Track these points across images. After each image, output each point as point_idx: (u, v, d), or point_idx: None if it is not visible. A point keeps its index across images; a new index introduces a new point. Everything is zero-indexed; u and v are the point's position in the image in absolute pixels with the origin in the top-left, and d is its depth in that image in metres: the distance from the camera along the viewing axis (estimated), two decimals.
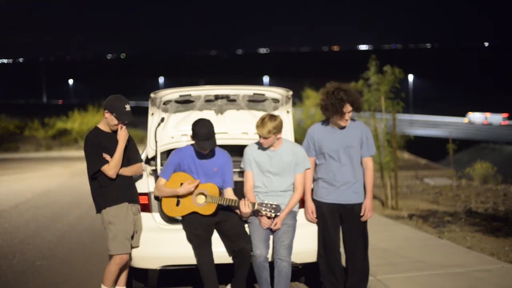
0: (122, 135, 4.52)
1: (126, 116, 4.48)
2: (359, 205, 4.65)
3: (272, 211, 4.54)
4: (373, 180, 4.73)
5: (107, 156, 4.45)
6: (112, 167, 4.43)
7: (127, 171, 4.58)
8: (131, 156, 4.64)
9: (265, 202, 4.57)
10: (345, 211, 4.64)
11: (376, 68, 10.30)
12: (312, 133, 4.77)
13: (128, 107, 4.50)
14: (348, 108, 4.53)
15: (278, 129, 4.61)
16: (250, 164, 4.79)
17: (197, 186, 4.69)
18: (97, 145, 4.45)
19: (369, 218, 4.69)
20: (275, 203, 4.57)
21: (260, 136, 4.63)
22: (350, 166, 4.63)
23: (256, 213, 4.64)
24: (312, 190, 4.81)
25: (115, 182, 4.49)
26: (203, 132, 4.58)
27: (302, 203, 4.88)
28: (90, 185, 4.57)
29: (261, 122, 4.59)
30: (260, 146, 4.76)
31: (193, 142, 4.81)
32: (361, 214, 4.63)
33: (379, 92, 10.13)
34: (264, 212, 4.55)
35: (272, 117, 4.60)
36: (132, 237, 4.60)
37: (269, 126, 4.55)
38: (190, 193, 4.71)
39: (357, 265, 4.66)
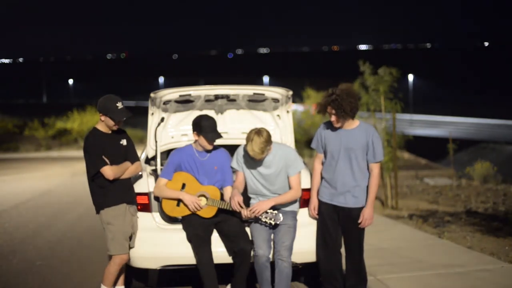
0: (132, 170, 4.62)
1: (121, 114, 4.48)
2: (358, 210, 4.55)
3: (273, 219, 4.54)
4: (377, 188, 4.56)
5: (106, 159, 4.45)
6: (112, 171, 4.44)
7: (128, 173, 4.58)
8: (129, 156, 4.64)
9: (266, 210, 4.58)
10: (343, 213, 4.59)
11: (371, 70, 10.27)
12: (321, 129, 4.72)
13: (120, 105, 4.48)
14: (331, 109, 4.44)
15: (269, 141, 4.49)
16: (242, 166, 4.74)
17: (199, 192, 4.71)
18: (97, 147, 4.46)
19: (366, 226, 4.56)
20: (275, 211, 4.57)
21: (255, 158, 4.53)
22: (349, 169, 4.54)
23: (256, 219, 4.64)
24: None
25: (114, 184, 4.49)
26: (209, 124, 4.63)
27: (303, 203, 4.88)
28: (89, 186, 4.58)
29: (251, 142, 4.41)
30: None
31: (193, 141, 4.82)
32: (359, 221, 4.53)
33: (378, 93, 10.11)
34: (264, 220, 4.55)
35: (258, 133, 4.45)
36: (130, 238, 4.61)
37: (258, 143, 4.40)
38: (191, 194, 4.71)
39: (354, 266, 4.64)
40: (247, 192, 4.82)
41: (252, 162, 4.67)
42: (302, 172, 4.85)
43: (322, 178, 4.72)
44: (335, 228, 4.64)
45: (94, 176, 4.48)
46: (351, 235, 4.61)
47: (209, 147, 4.72)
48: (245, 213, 4.55)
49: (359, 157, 4.53)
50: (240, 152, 4.78)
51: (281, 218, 4.55)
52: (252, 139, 4.43)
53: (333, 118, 4.48)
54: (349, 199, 4.55)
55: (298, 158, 4.75)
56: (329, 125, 4.65)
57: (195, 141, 4.79)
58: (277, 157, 4.66)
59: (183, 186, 4.75)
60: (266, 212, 4.55)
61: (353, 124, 4.57)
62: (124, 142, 4.64)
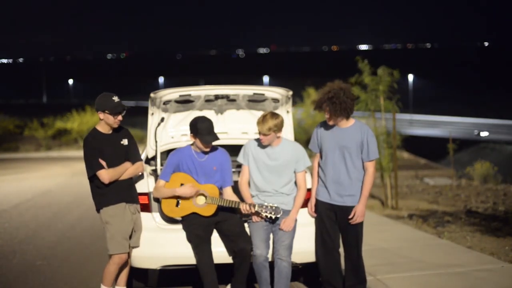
0: (131, 171, 4.58)
1: (118, 106, 4.47)
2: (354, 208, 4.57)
3: (272, 212, 4.54)
4: (371, 186, 4.58)
5: (103, 162, 4.45)
6: (108, 175, 4.43)
7: (127, 174, 4.57)
8: (130, 156, 4.63)
9: (265, 204, 4.58)
10: (340, 212, 4.59)
11: (370, 70, 10.23)
12: (318, 128, 4.76)
13: (116, 99, 4.48)
14: (326, 106, 4.49)
15: (279, 127, 4.60)
16: (248, 158, 4.79)
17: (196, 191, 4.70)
18: (94, 149, 4.45)
19: (358, 222, 4.53)
20: (275, 205, 4.57)
21: (260, 133, 4.62)
22: (344, 168, 4.55)
23: (256, 213, 4.64)
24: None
25: (111, 184, 4.49)
26: (205, 126, 4.61)
27: (303, 203, 4.88)
28: (89, 185, 4.60)
29: (262, 119, 4.57)
30: (260, 143, 4.75)
31: (192, 142, 4.81)
32: (350, 217, 4.53)
33: (378, 92, 10.09)
34: (264, 214, 4.55)
35: (274, 115, 4.59)
36: (131, 237, 4.60)
37: (270, 123, 4.54)
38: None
39: (353, 266, 4.64)
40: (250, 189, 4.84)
41: (260, 153, 4.72)
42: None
43: (319, 177, 4.74)
44: (333, 227, 4.65)
45: (92, 177, 4.48)
46: (349, 234, 4.60)
47: (206, 149, 4.71)
48: (244, 207, 4.55)
49: (354, 155, 4.55)
50: (247, 145, 4.83)
51: (281, 212, 4.58)
52: (265, 116, 4.58)
53: (327, 115, 4.54)
54: (346, 197, 4.56)
55: (306, 154, 4.80)
56: (325, 124, 4.70)
57: (193, 143, 4.79)
58: (285, 150, 4.72)
59: (181, 186, 4.73)
60: (266, 207, 4.55)
61: (348, 123, 4.60)
62: (125, 142, 4.63)
